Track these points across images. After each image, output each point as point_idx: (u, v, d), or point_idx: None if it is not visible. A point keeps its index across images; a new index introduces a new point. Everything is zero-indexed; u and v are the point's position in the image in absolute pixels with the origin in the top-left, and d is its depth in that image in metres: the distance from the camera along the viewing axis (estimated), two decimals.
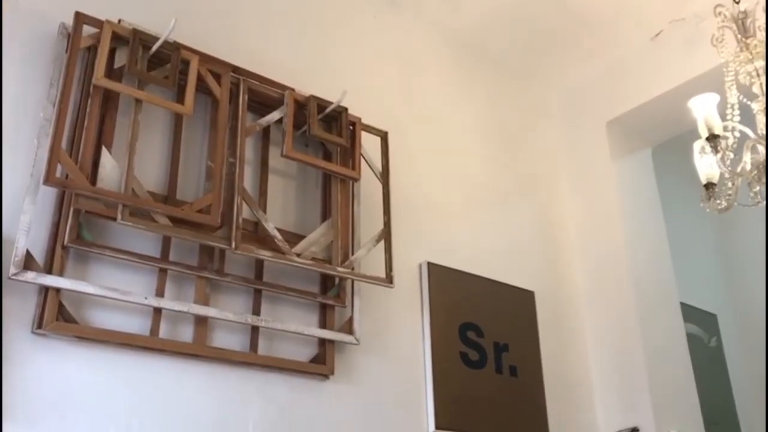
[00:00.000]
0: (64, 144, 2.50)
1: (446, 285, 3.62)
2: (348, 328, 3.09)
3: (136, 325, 2.57)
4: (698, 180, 2.88)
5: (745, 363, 5.42)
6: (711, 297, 5.41)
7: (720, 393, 4.99)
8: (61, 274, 2.41)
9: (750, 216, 5.61)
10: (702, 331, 5.10)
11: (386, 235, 3.29)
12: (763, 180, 2.48)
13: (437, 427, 3.27)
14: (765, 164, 2.51)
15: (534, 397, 3.77)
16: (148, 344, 2.54)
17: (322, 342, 3.02)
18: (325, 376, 3.00)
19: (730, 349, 5.32)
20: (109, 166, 2.57)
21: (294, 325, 2.94)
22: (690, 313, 4.83)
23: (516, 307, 3.92)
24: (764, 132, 2.61)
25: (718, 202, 2.70)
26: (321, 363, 2.99)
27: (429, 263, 3.59)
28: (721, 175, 2.71)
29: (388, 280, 3.22)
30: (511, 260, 4.05)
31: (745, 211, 5.55)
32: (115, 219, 2.51)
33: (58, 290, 2.39)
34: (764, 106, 2.68)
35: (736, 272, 5.74)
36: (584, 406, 4.00)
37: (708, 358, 5.02)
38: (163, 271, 2.67)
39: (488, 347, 3.66)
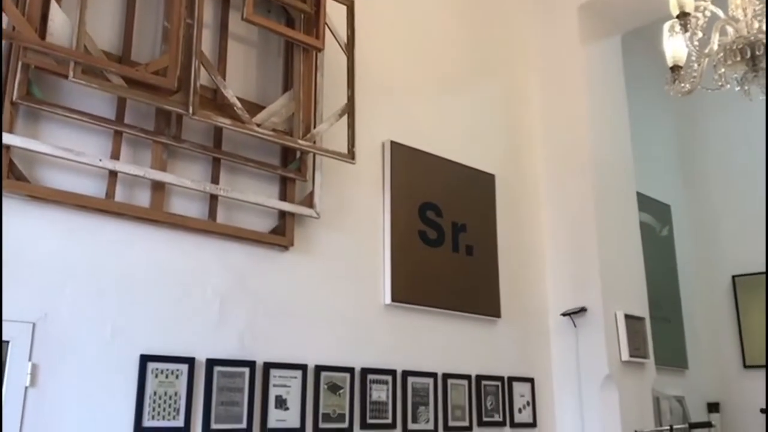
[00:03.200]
0: None
1: (408, 165, 3.62)
2: (309, 201, 3.09)
3: (91, 187, 2.52)
4: (663, 72, 2.85)
5: (692, 253, 5.62)
6: (666, 188, 5.53)
7: (666, 280, 5.19)
8: (10, 131, 2.33)
9: (710, 111, 5.70)
10: (655, 220, 5.24)
11: (350, 109, 3.23)
12: (728, 62, 2.47)
13: (393, 299, 3.36)
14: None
15: (488, 276, 3.87)
16: (104, 207, 2.51)
17: (282, 214, 3.02)
18: (285, 248, 3.02)
19: (680, 239, 5.49)
20: (59, 20, 2.44)
21: (254, 196, 2.92)
22: (645, 202, 4.94)
23: (476, 189, 3.95)
24: (734, 14, 2.58)
25: (683, 85, 2.69)
26: (281, 234, 3.01)
27: (392, 142, 3.57)
28: (688, 57, 2.69)
29: (350, 156, 3.20)
30: (473, 143, 4.04)
31: (706, 105, 5.63)
32: (66, 76, 2.41)
33: (8, 147, 2.31)
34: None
35: (693, 165, 5.85)
36: (536, 287, 4.14)
37: (658, 247, 5.19)
38: (118, 134, 2.59)
39: (446, 227, 3.72)
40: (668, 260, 5.31)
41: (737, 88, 2.58)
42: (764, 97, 2.62)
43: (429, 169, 3.72)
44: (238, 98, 2.87)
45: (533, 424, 3.85)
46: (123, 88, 2.54)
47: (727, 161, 5.69)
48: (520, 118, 4.38)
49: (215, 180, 2.85)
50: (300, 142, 3.01)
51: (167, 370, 2.58)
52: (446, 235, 3.70)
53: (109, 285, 2.51)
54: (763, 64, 2.43)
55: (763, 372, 5.15)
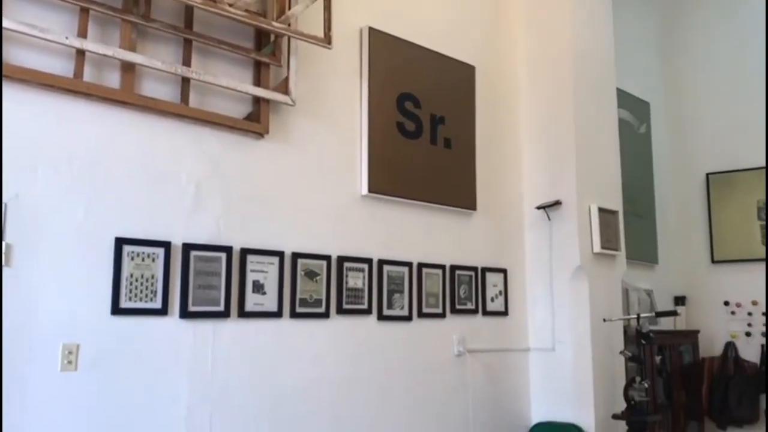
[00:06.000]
0: None
1: (387, 53, 3.54)
2: (284, 88, 3.02)
3: (58, 66, 2.44)
4: None
5: (668, 151, 5.66)
6: (646, 85, 5.49)
7: (642, 176, 5.24)
8: None
9: (693, 8, 5.61)
10: (633, 117, 5.23)
11: None
12: None
13: (370, 190, 3.36)
14: None
15: (465, 169, 3.87)
16: (72, 87, 2.44)
17: (257, 100, 2.97)
18: (260, 135, 2.98)
19: (658, 136, 5.51)
20: None
21: (227, 80, 2.85)
22: (624, 98, 4.92)
23: (456, 81, 3.90)
24: None
25: None
26: (255, 121, 2.96)
27: (370, 28, 3.47)
28: None
29: (327, 40, 3.11)
30: (455, 33, 3.95)
31: (690, 2, 5.52)
32: None
33: None
34: None
35: (674, 63, 5.80)
36: (512, 180, 4.16)
37: (636, 144, 5.20)
38: (84, 11, 2.49)
39: (425, 119, 3.68)
40: (645, 157, 5.34)
41: None
42: None
43: (408, 58, 3.64)
44: None
45: (505, 313, 3.96)
46: None
47: (708, 60, 5.64)
48: (502, 7, 4.28)
49: (187, 62, 2.77)
50: (274, 24, 2.92)
51: (143, 253, 2.59)
52: (424, 127, 3.67)
53: (81, 167, 2.48)
54: None
55: (729, 267, 5.32)
